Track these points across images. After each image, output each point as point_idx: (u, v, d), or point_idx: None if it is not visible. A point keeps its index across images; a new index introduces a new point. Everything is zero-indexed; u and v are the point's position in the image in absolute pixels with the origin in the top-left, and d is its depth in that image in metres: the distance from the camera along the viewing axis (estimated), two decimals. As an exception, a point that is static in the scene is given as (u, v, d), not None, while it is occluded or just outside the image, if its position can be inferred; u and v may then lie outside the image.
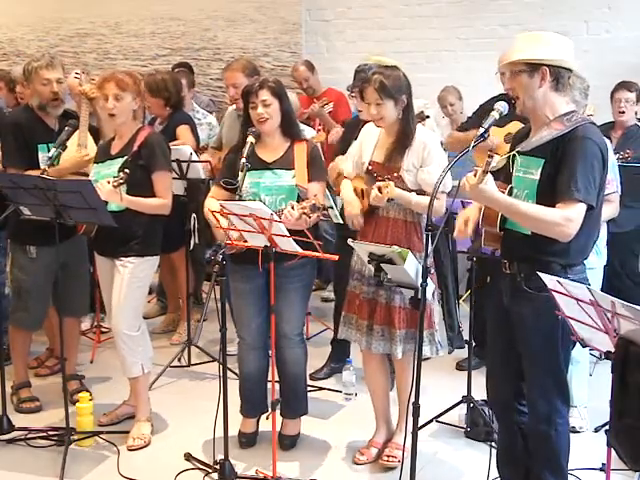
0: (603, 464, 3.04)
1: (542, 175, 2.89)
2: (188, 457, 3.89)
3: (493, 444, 3.90)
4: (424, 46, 7.30)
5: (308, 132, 4.91)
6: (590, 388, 4.26)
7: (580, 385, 4.17)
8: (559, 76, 2.90)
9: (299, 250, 3.39)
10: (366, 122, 4.55)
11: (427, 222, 3.01)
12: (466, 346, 4.16)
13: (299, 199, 3.67)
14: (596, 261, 3.98)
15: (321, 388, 4.76)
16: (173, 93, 5.42)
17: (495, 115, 2.97)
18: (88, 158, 4.21)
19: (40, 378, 4.88)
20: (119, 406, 4.32)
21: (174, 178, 4.57)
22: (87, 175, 4.11)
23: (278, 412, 3.76)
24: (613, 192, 4.02)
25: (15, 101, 5.66)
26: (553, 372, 3.00)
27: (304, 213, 3.37)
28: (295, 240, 3.35)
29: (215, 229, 3.73)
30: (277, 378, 3.78)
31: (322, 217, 4.31)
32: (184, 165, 4.95)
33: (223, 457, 3.52)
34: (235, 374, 4.20)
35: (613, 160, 4.05)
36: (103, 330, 5.47)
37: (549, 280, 2.69)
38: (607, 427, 2.79)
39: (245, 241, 3.50)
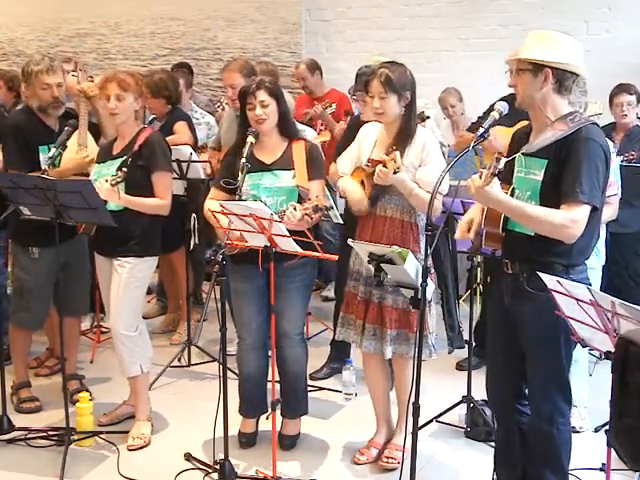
0: (603, 464, 3.04)
1: (545, 176, 2.89)
2: (188, 457, 3.89)
3: (493, 444, 3.91)
4: (424, 46, 7.31)
5: (309, 133, 4.91)
6: (590, 388, 4.26)
7: (580, 385, 4.16)
8: (562, 79, 2.90)
9: (299, 250, 3.39)
10: (365, 124, 4.57)
11: (427, 222, 3.01)
12: (466, 346, 4.15)
13: (299, 199, 3.67)
14: (595, 261, 3.98)
15: (321, 388, 4.76)
16: (173, 91, 5.46)
17: (495, 115, 2.98)
18: (89, 159, 4.21)
19: (40, 378, 4.87)
20: (119, 406, 4.32)
21: (174, 178, 4.58)
22: (88, 176, 4.11)
23: (278, 412, 3.76)
24: (614, 194, 4.03)
25: (14, 100, 5.65)
26: (556, 371, 3.01)
27: (306, 214, 3.37)
28: (295, 240, 3.35)
29: (217, 229, 3.73)
30: (277, 378, 3.78)
31: (323, 217, 4.32)
32: (184, 165, 4.95)
33: (223, 457, 3.52)
34: (235, 374, 4.20)
35: (616, 162, 4.05)
36: (103, 330, 5.46)
37: (549, 280, 2.70)
38: (607, 427, 2.79)
39: (245, 241, 3.50)
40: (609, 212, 4.02)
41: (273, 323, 3.58)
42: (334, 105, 5.96)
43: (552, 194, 2.85)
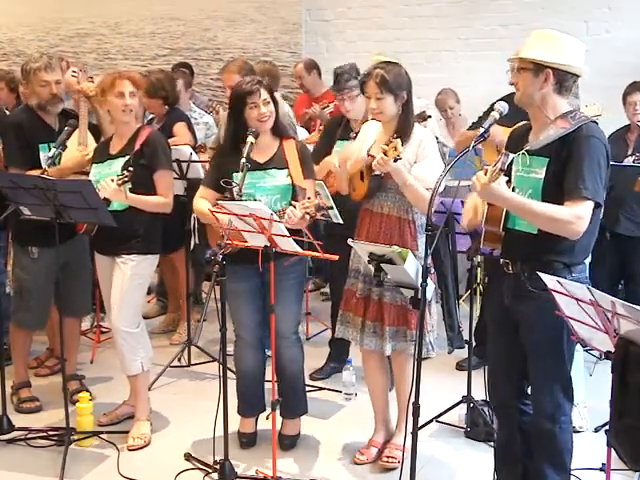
0: (603, 464, 3.04)
1: (547, 174, 2.90)
2: (188, 457, 3.89)
3: (493, 444, 3.91)
4: (424, 46, 7.31)
5: (301, 133, 4.94)
6: (590, 388, 4.26)
7: (577, 383, 4.16)
8: (563, 80, 2.92)
9: (299, 250, 3.39)
10: (348, 120, 4.59)
11: (427, 222, 3.01)
12: (466, 346, 4.15)
13: (293, 198, 3.68)
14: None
15: (321, 388, 4.76)
16: (169, 91, 5.47)
17: (495, 115, 2.98)
18: (89, 157, 4.21)
19: (40, 378, 4.87)
20: (119, 406, 4.32)
21: (174, 178, 4.57)
22: (88, 174, 4.11)
23: (278, 412, 3.76)
24: None
25: (15, 101, 5.66)
26: (558, 370, 3.01)
27: (307, 212, 3.37)
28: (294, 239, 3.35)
29: (209, 231, 3.74)
30: (276, 378, 3.78)
31: (323, 217, 4.32)
32: (184, 165, 4.95)
33: (223, 457, 3.52)
34: (234, 373, 4.19)
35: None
36: (103, 330, 5.47)
37: (549, 280, 2.70)
38: (607, 427, 2.79)
39: (245, 241, 3.50)
40: None
41: (273, 323, 3.57)
42: (332, 105, 5.97)
43: (554, 192, 2.86)
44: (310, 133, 5.86)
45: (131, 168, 3.82)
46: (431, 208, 2.99)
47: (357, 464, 3.85)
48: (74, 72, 4.49)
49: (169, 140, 4.78)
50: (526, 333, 3.03)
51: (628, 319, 2.48)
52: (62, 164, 4.18)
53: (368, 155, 3.70)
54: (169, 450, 3.99)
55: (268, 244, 3.42)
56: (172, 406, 4.49)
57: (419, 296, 3.16)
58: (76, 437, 3.98)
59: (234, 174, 3.67)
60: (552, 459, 3.07)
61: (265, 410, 4.03)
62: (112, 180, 3.76)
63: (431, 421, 4.21)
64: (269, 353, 3.78)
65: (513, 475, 3.23)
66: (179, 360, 5.11)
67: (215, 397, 3.44)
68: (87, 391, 4.39)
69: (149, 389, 4.38)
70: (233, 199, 3.57)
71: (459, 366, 5.02)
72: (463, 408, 4.21)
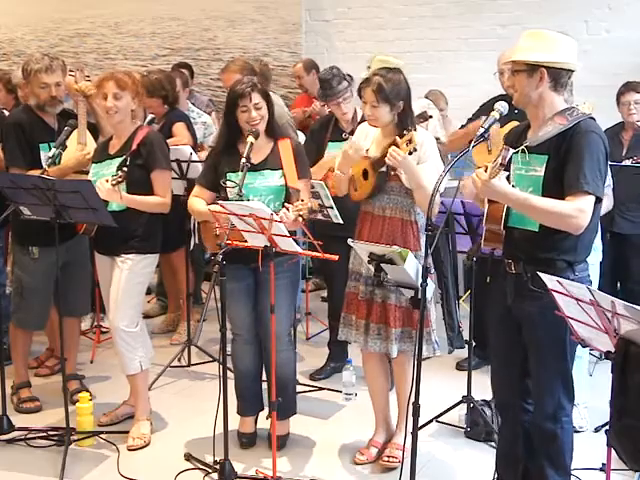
0: (603, 464, 3.04)
1: (547, 171, 2.91)
2: (188, 457, 3.89)
3: (493, 444, 3.92)
4: (424, 46, 7.32)
5: (301, 137, 4.96)
6: (590, 388, 4.26)
7: (580, 383, 4.16)
8: (558, 77, 2.93)
9: (299, 250, 3.39)
10: (336, 123, 4.60)
11: (427, 222, 3.01)
12: (466, 346, 4.15)
13: (287, 199, 3.68)
14: (594, 258, 3.98)
15: (321, 388, 4.76)
16: (169, 91, 5.47)
17: (495, 115, 2.98)
18: (89, 156, 4.21)
19: (40, 378, 4.87)
20: (119, 406, 4.32)
21: (174, 178, 4.58)
22: (88, 174, 4.11)
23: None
24: (607, 186, 4.03)
25: (14, 102, 5.66)
26: (560, 370, 3.02)
27: (300, 215, 3.37)
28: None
29: (203, 233, 3.75)
30: (269, 378, 3.78)
31: (322, 217, 4.32)
32: (184, 165, 4.96)
33: (223, 457, 3.52)
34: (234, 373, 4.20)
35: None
36: (103, 330, 5.47)
37: (549, 280, 2.69)
38: (607, 427, 2.79)
39: (245, 241, 3.50)
40: (605, 203, 4.03)
41: (273, 323, 3.57)
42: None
43: (554, 189, 2.87)
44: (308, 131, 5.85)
45: (125, 168, 3.81)
46: (431, 208, 2.99)
47: (357, 464, 3.85)
48: (71, 72, 4.49)
49: (169, 140, 4.78)
50: (529, 332, 3.03)
51: (628, 319, 2.48)
52: (62, 164, 4.17)
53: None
54: (169, 450, 3.99)
55: (268, 244, 3.42)
56: (172, 406, 4.49)
57: (419, 296, 3.16)
58: (76, 437, 3.98)
59: (228, 174, 3.68)
60: (553, 459, 3.07)
61: (264, 409, 4.03)
62: (107, 181, 3.75)
63: (431, 421, 4.21)
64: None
65: (514, 475, 3.23)
66: (179, 360, 5.11)
67: (215, 397, 3.44)
68: (87, 391, 4.38)
69: (149, 389, 4.38)
70: (227, 199, 3.56)
71: (459, 366, 5.02)
72: (463, 408, 4.21)
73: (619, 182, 4.53)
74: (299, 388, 4.35)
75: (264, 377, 4.03)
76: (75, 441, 3.97)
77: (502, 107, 3.00)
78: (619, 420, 2.67)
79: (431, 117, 4.61)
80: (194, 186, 4.95)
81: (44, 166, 4.07)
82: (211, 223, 3.65)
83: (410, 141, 3.37)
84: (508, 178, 2.92)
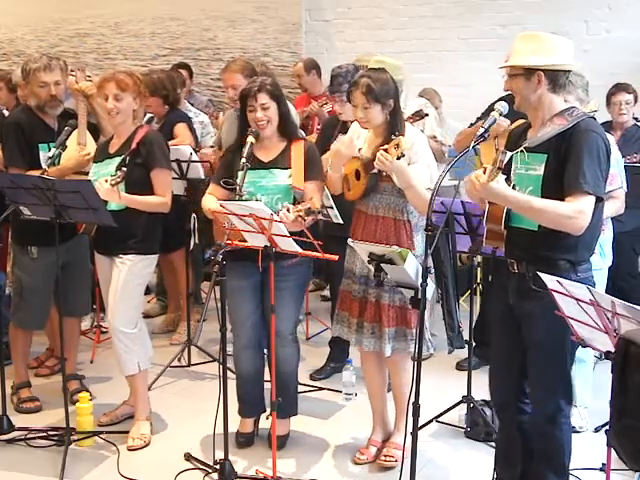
0: (603, 464, 3.05)
1: (546, 170, 2.91)
2: (188, 457, 3.89)
3: (493, 444, 3.91)
4: (424, 46, 7.32)
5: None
6: (590, 388, 4.26)
7: (584, 385, 4.17)
8: (555, 78, 2.94)
9: (299, 250, 3.39)
10: (344, 122, 4.59)
11: (427, 222, 3.01)
12: (466, 346, 4.15)
13: (295, 199, 3.67)
14: (600, 262, 3.98)
15: (321, 388, 4.76)
16: (170, 91, 5.48)
17: (495, 115, 2.98)
18: (89, 157, 4.21)
19: (40, 378, 4.87)
20: (119, 406, 4.32)
21: (174, 178, 4.57)
22: (88, 174, 4.11)
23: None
24: (618, 188, 4.02)
25: (15, 101, 5.66)
26: (561, 371, 3.02)
27: (299, 216, 3.37)
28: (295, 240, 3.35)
29: (215, 228, 3.73)
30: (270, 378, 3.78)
31: (322, 217, 4.32)
32: (184, 165, 4.95)
33: (223, 457, 3.52)
34: (234, 373, 4.19)
35: (617, 155, 4.04)
36: (103, 330, 5.46)
37: (549, 280, 2.69)
38: (607, 427, 2.79)
39: (245, 240, 3.50)
40: (615, 206, 4.03)
41: (273, 323, 3.57)
42: (330, 104, 5.97)
43: (554, 188, 2.86)
44: (307, 132, 5.85)
45: (124, 168, 3.81)
46: (431, 208, 2.99)
47: (357, 464, 3.85)
48: (72, 72, 4.49)
49: (170, 142, 4.78)
50: (529, 332, 3.03)
51: (628, 319, 2.48)
52: (62, 164, 4.17)
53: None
54: (169, 450, 3.99)
55: (268, 244, 3.42)
56: (172, 406, 4.49)
57: (419, 296, 3.16)
58: (76, 437, 3.98)
59: (239, 172, 3.67)
60: (551, 461, 3.07)
61: (265, 410, 4.03)
62: (105, 180, 3.75)
63: (431, 421, 4.21)
64: (268, 353, 3.78)
65: (513, 475, 3.23)
66: (179, 360, 5.11)
67: (215, 397, 3.44)
68: (87, 391, 4.38)
69: (149, 389, 4.38)
70: (241, 199, 3.56)
71: (459, 366, 5.02)
72: (463, 408, 4.21)
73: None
74: (299, 388, 4.35)
75: (267, 377, 4.02)
76: (75, 441, 3.97)
77: (502, 107, 3.00)
78: (619, 420, 2.67)
79: (427, 115, 4.60)
80: (194, 186, 5.01)
81: (44, 166, 4.07)
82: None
83: (398, 146, 3.38)
84: (508, 180, 2.93)
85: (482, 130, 2.96)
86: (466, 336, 4.15)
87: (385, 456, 3.80)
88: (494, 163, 2.73)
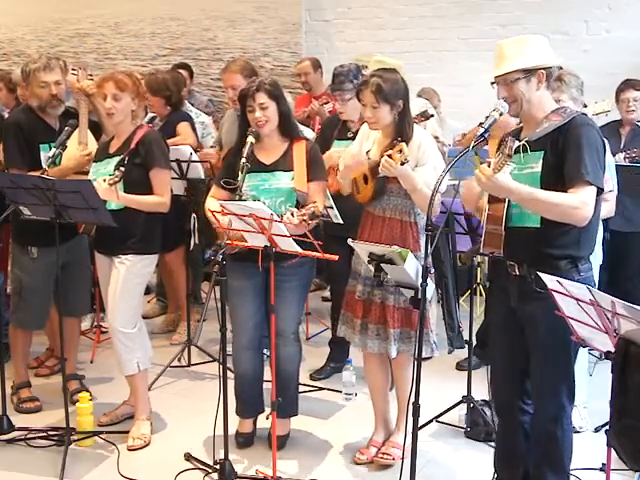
0: (603, 464, 3.04)
1: (544, 166, 2.92)
2: (188, 457, 3.89)
3: (493, 444, 3.91)
4: (424, 46, 7.32)
5: (307, 134, 4.92)
6: (590, 388, 4.26)
7: (579, 385, 4.16)
8: (551, 75, 3.00)
9: (299, 250, 3.39)
10: (345, 122, 4.60)
11: (427, 222, 3.01)
12: (466, 346, 4.15)
13: (298, 201, 3.67)
14: (593, 260, 3.98)
15: (321, 388, 4.76)
16: (174, 92, 5.48)
17: (495, 115, 2.98)
18: (89, 156, 4.21)
19: (40, 378, 4.87)
20: (119, 406, 4.32)
21: (174, 178, 4.57)
22: (88, 174, 4.11)
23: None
24: (610, 191, 4.03)
25: (15, 102, 5.66)
26: (564, 372, 3.02)
27: (304, 220, 3.36)
28: (295, 240, 3.35)
29: (217, 229, 3.73)
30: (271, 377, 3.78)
31: (323, 217, 4.31)
32: (184, 165, 4.95)
33: (223, 457, 3.52)
34: (234, 373, 4.19)
35: (610, 158, 4.05)
36: (103, 330, 5.46)
37: (549, 280, 2.69)
38: (607, 427, 2.79)
39: (245, 241, 3.50)
40: (607, 209, 4.04)
41: (273, 323, 3.57)
42: (331, 103, 5.97)
43: (553, 183, 2.87)
44: (309, 132, 5.85)
45: (123, 167, 3.80)
46: (431, 208, 2.99)
47: (357, 464, 3.85)
48: (73, 70, 4.49)
49: (171, 140, 4.77)
50: (532, 333, 3.02)
51: (628, 319, 2.48)
52: (62, 164, 4.17)
53: (367, 158, 3.70)
54: (169, 450, 3.99)
55: (268, 244, 3.42)
56: (172, 406, 4.49)
57: (419, 296, 3.16)
58: (76, 437, 3.98)
59: (240, 172, 3.67)
60: (552, 461, 3.07)
61: (264, 411, 4.03)
62: (104, 180, 3.75)
63: (431, 421, 4.21)
64: (268, 353, 3.78)
65: (515, 475, 3.23)
66: (179, 360, 5.10)
67: (215, 397, 3.44)
68: (87, 391, 4.38)
69: (149, 389, 4.38)
70: (241, 200, 3.56)
71: (459, 366, 5.02)
72: (463, 408, 4.21)
73: (618, 181, 4.54)
74: (299, 388, 4.35)
75: (267, 377, 4.02)
76: (75, 441, 3.97)
77: (502, 107, 3.00)
78: (619, 420, 2.68)
79: (432, 116, 4.61)
80: (194, 186, 5.00)
81: (44, 166, 4.07)
82: None
83: (401, 151, 3.38)
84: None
85: (482, 130, 2.96)
86: (466, 336, 4.16)
87: (383, 454, 3.80)
88: (499, 154, 2.73)
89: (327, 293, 6.47)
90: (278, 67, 7.80)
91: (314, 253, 3.36)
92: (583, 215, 2.83)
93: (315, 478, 3.73)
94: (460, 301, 4.40)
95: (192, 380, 4.95)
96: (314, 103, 6.04)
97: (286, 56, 7.89)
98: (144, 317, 4.28)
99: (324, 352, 5.05)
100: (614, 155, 4.80)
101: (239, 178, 3.59)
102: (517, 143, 2.78)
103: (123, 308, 3.96)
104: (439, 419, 4.25)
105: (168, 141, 4.42)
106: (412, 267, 3.30)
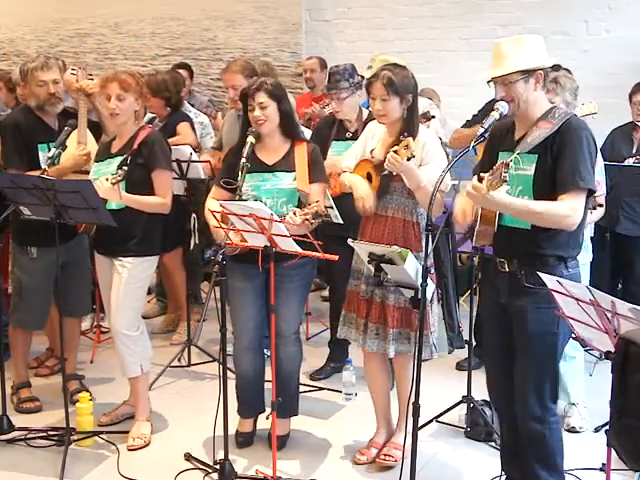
0: (603, 464, 3.04)
1: (537, 170, 2.95)
2: (188, 457, 3.89)
3: (493, 444, 3.92)
4: (424, 46, 7.31)
5: (307, 135, 4.92)
6: (590, 388, 4.26)
7: (576, 382, 4.17)
8: (547, 75, 3.04)
9: (299, 250, 3.39)
10: (341, 121, 4.59)
11: (427, 222, 3.01)
12: (466, 346, 4.15)
13: (300, 202, 3.67)
14: (584, 257, 3.99)
15: (321, 388, 4.76)
16: (174, 93, 5.47)
17: (495, 115, 2.99)
18: (87, 156, 4.21)
19: (40, 378, 4.87)
20: (119, 406, 4.32)
21: (174, 178, 4.57)
22: (88, 174, 4.11)
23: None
24: (601, 194, 4.04)
25: (15, 101, 5.67)
26: (550, 370, 3.03)
27: (306, 219, 3.36)
28: (295, 240, 3.35)
29: (214, 230, 3.73)
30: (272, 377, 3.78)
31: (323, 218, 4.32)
32: (184, 165, 4.95)
33: (223, 457, 3.52)
34: (234, 374, 4.19)
35: (601, 162, 4.05)
36: (103, 330, 5.46)
37: (549, 280, 2.70)
38: (607, 427, 2.79)
39: (245, 242, 3.50)
40: (598, 212, 4.07)
41: (273, 323, 3.57)
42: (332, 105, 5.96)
43: (544, 187, 2.92)
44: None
45: (125, 167, 3.80)
46: (432, 207, 2.99)
47: (357, 464, 3.85)
48: (73, 70, 4.48)
49: (171, 139, 4.77)
50: (519, 327, 3.04)
51: (628, 319, 2.48)
52: (61, 164, 4.17)
53: (371, 156, 3.69)
54: (169, 450, 3.99)
55: (268, 244, 3.41)
56: (172, 406, 4.49)
57: (419, 296, 3.16)
58: (76, 437, 3.98)
59: (240, 173, 3.66)
60: (544, 461, 3.08)
61: (264, 411, 4.03)
62: (106, 179, 3.75)
63: (431, 421, 4.21)
64: (269, 353, 3.78)
65: (521, 471, 3.22)
66: (179, 360, 5.10)
67: (215, 397, 3.44)
68: (87, 391, 4.38)
69: (149, 389, 4.38)
70: (242, 199, 3.56)
71: (459, 366, 5.02)
72: (463, 408, 4.21)
73: (622, 182, 4.54)
74: (299, 388, 4.35)
75: (268, 377, 4.02)
76: (75, 441, 3.97)
77: (502, 107, 3.00)
78: (619, 420, 2.68)
79: (434, 117, 4.61)
80: (194, 186, 5.00)
81: (43, 166, 4.07)
82: None
83: (407, 147, 3.37)
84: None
85: (482, 130, 2.97)
86: (466, 336, 4.16)
87: (385, 455, 3.80)
88: (493, 173, 2.75)
89: (327, 293, 6.48)
90: (278, 67, 7.76)
91: (314, 253, 3.36)
92: (573, 221, 2.89)
93: (315, 478, 3.73)
94: (460, 301, 4.40)
95: (192, 380, 4.95)
96: (315, 106, 6.03)
97: (286, 56, 7.89)
98: (144, 317, 4.28)
99: (324, 352, 5.05)
100: (625, 159, 4.80)
101: (239, 178, 3.59)
102: (513, 166, 2.79)
103: (126, 311, 3.95)
104: (439, 419, 4.25)
105: (168, 140, 4.41)
106: (412, 267, 3.30)
